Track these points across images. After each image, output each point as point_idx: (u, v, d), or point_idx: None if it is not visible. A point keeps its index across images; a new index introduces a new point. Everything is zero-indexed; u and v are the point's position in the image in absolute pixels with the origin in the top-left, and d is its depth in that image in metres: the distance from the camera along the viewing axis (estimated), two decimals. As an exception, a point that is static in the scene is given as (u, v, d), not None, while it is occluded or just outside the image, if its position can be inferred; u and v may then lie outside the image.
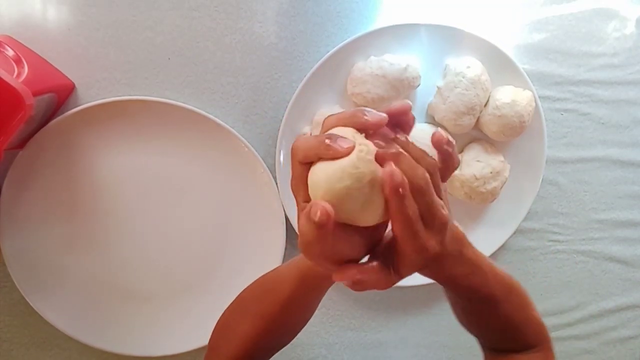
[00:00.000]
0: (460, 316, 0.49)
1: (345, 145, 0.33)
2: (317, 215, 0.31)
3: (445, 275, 0.40)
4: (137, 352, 0.68)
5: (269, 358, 0.49)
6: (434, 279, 0.41)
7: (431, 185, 0.34)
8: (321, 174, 0.34)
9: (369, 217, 0.34)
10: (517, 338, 0.47)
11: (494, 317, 0.45)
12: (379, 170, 0.33)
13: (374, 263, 0.34)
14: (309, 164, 0.35)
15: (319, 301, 0.48)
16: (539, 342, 0.48)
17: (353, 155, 0.33)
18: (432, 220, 0.33)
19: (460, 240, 0.39)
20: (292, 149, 0.36)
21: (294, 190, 0.37)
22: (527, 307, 0.48)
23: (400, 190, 0.31)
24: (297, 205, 0.36)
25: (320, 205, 0.31)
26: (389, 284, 0.35)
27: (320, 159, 0.34)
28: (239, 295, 0.50)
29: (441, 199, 0.35)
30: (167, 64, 0.66)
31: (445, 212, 0.34)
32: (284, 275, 0.46)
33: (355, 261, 0.35)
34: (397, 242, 0.33)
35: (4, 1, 0.62)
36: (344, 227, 0.34)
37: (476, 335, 0.50)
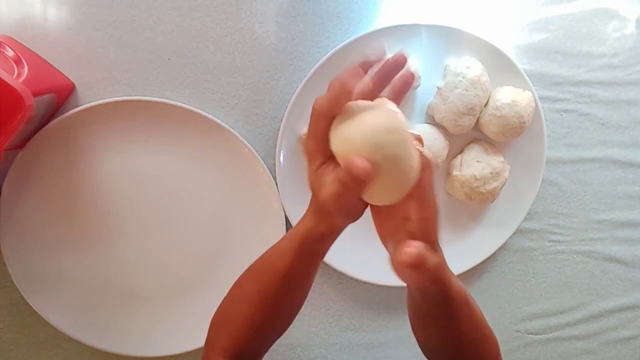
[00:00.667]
0: (417, 329, 0.49)
1: (368, 83, 0.37)
2: (360, 171, 0.34)
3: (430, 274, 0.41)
4: (137, 353, 0.68)
5: (268, 345, 0.49)
6: (421, 278, 0.41)
7: None
8: (353, 128, 0.36)
9: (398, 184, 0.37)
10: (475, 357, 0.47)
11: (454, 329, 0.45)
12: (403, 126, 0.36)
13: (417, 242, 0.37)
14: (331, 120, 0.38)
15: (313, 278, 0.48)
16: None
17: (384, 111, 0.36)
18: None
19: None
20: (315, 104, 0.38)
21: (311, 148, 0.39)
22: (484, 324, 0.48)
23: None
24: (312, 162, 0.39)
25: (360, 160, 0.34)
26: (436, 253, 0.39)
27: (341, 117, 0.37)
28: (233, 285, 0.50)
29: None
30: (167, 64, 0.66)
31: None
32: (278, 252, 0.46)
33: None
34: (425, 204, 0.39)
35: (4, 1, 0.62)
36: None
37: (430, 353, 0.49)
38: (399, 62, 0.40)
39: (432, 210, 0.39)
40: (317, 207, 0.42)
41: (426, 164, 0.38)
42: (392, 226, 0.41)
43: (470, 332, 0.46)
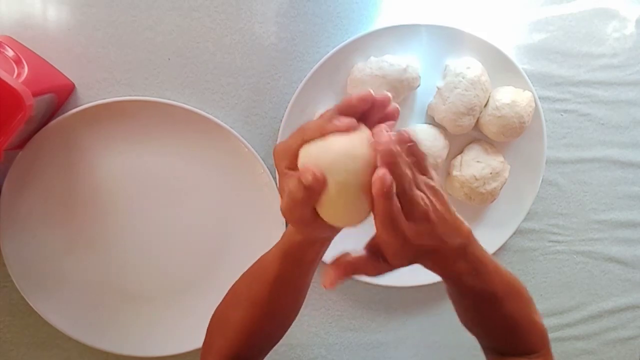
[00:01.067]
0: (462, 315, 0.49)
1: (345, 121, 0.36)
2: (309, 179, 0.34)
3: (449, 270, 0.42)
4: (137, 353, 0.68)
5: (265, 351, 0.50)
6: (439, 274, 0.43)
7: (412, 182, 0.36)
8: (320, 146, 0.36)
9: (353, 213, 0.36)
10: (518, 341, 0.47)
11: (496, 317, 0.46)
12: (371, 158, 0.35)
13: (364, 252, 0.39)
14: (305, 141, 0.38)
15: (307, 283, 0.48)
16: (540, 347, 0.48)
17: (352, 137, 0.35)
18: (412, 212, 0.36)
19: (466, 236, 0.42)
20: (301, 127, 0.38)
21: (279, 157, 0.38)
22: (530, 311, 0.48)
23: (386, 191, 0.34)
24: (279, 171, 0.38)
25: (312, 170, 0.34)
26: (379, 270, 0.39)
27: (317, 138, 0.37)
28: (229, 289, 0.50)
29: (421, 190, 0.37)
30: (167, 64, 0.66)
31: (423, 204, 0.36)
32: (268, 258, 0.47)
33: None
34: (379, 234, 0.37)
35: (4, 1, 0.62)
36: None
37: (477, 336, 0.50)
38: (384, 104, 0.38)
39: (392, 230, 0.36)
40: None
41: (380, 194, 0.34)
42: None
43: (515, 311, 0.46)
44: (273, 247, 0.47)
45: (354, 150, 0.35)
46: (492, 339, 0.49)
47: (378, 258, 0.39)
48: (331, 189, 0.35)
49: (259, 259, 0.49)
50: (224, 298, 0.50)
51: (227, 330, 0.48)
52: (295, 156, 0.37)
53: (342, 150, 0.35)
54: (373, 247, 0.40)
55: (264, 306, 0.46)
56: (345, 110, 0.37)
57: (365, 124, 0.37)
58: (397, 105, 0.39)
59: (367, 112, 0.37)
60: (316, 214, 0.37)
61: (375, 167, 0.34)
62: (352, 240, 0.43)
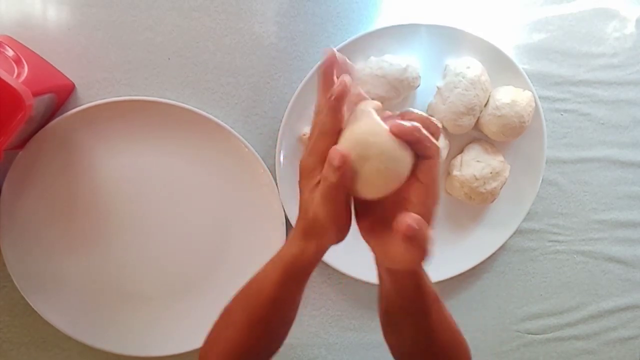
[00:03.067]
0: (389, 332, 0.50)
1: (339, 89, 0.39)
2: (337, 159, 0.36)
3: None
4: (137, 353, 0.68)
5: None
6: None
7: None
8: (342, 138, 0.39)
9: (378, 184, 0.38)
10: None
11: (425, 327, 0.46)
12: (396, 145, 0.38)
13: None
14: (336, 137, 0.40)
15: (301, 299, 0.48)
16: None
17: (367, 120, 0.39)
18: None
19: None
20: (319, 122, 0.40)
21: (310, 165, 0.40)
22: (455, 329, 0.48)
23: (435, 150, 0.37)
24: (309, 180, 0.40)
25: (337, 152, 0.36)
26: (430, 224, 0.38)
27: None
28: (224, 308, 0.50)
29: None
30: (167, 64, 0.66)
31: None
32: (266, 273, 0.46)
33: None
34: (430, 194, 0.38)
35: (4, 1, 0.62)
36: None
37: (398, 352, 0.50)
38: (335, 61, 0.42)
39: (434, 198, 0.39)
40: (306, 227, 0.42)
41: (431, 153, 0.38)
42: (382, 215, 0.41)
43: (441, 333, 0.47)
44: (266, 267, 0.47)
45: (371, 127, 0.38)
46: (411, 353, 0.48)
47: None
48: (367, 162, 0.37)
49: (251, 279, 0.48)
50: (219, 317, 0.50)
51: (221, 348, 0.48)
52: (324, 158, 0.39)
53: (364, 131, 0.38)
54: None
55: (259, 326, 0.46)
56: (327, 82, 0.40)
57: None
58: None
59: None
60: (347, 208, 0.40)
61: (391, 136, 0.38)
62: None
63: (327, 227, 0.40)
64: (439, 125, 0.41)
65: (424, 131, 0.37)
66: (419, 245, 0.36)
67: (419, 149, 0.38)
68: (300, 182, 0.42)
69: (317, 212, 0.39)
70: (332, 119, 0.39)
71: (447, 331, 0.48)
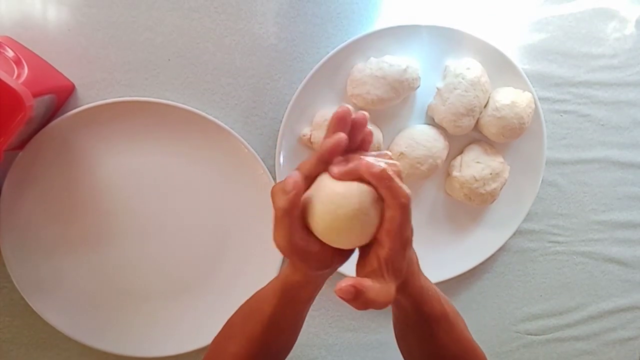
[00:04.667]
0: (399, 339, 0.50)
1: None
2: (289, 185, 0.36)
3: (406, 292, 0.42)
4: (136, 353, 0.68)
5: None
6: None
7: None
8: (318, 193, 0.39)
9: (353, 237, 0.39)
10: None
11: (430, 342, 0.46)
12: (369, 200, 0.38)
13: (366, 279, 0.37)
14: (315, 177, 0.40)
15: (301, 321, 0.49)
16: None
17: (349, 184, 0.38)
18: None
19: (415, 262, 0.43)
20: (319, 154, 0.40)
21: (280, 193, 0.39)
22: (466, 338, 0.48)
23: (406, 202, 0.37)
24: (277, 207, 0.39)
25: (291, 177, 0.37)
26: (390, 293, 0.38)
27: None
28: (227, 320, 0.50)
29: None
30: (167, 64, 0.66)
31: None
32: (264, 295, 0.47)
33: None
34: (391, 249, 0.38)
35: (3, 1, 0.62)
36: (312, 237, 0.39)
37: None
38: (360, 123, 0.40)
39: (401, 240, 0.38)
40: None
41: (398, 205, 0.37)
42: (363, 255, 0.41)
43: (450, 345, 0.47)
44: (270, 282, 0.47)
45: (344, 190, 0.38)
46: None
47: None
48: (340, 220, 0.38)
49: (255, 294, 0.49)
50: (220, 331, 0.50)
51: None
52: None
53: (341, 187, 0.38)
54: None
55: (258, 343, 0.46)
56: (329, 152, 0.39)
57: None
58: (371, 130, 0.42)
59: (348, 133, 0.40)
60: (307, 234, 0.39)
61: (366, 197, 0.38)
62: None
63: (287, 256, 0.40)
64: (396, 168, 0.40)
65: (393, 179, 0.37)
66: (359, 303, 0.36)
67: (384, 193, 0.37)
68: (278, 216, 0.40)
69: (274, 239, 0.39)
70: (315, 162, 0.39)
71: (457, 343, 0.47)
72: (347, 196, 0.38)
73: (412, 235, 0.40)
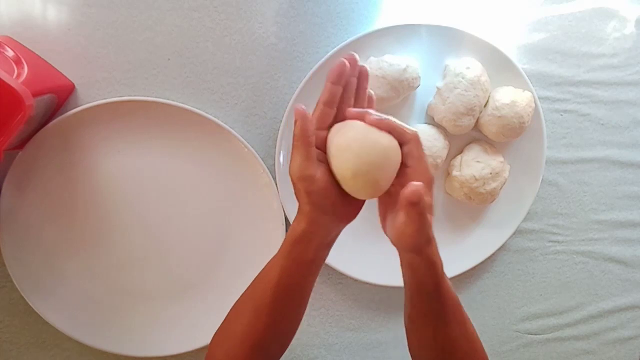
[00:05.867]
0: (411, 333, 0.50)
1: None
2: (296, 115, 0.42)
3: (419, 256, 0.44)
4: (137, 353, 0.68)
5: None
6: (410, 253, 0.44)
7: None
8: (337, 141, 0.44)
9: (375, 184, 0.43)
10: None
11: (445, 332, 0.47)
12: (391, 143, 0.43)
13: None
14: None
15: (309, 290, 0.49)
16: None
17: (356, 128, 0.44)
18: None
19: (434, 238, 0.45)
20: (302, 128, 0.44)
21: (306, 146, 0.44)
22: (476, 338, 0.49)
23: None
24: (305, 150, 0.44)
25: (296, 108, 0.43)
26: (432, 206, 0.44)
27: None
28: (234, 304, 0.50)
29: None
30: (167, 64, 0.66)
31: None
32: (270, 264, 0.47)
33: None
34: (422, 173, 0.44)
35: (4, 1, 0.62)
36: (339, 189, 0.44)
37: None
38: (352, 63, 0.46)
39: (426, 175, 0.44)
40: (297, 199, 0.46)
41: (408, 138, 0.44)
42: (391, 202, 0.45)
43: (461, 339, 0.47)
44: (273, 257, 0.48)
45: (361, 137, 0.43)
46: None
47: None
48: (361, 169, 0.42)
49: (261, 270, 0.49)
50: (229, 312, 0.50)
51: (229, 343, 0.47)
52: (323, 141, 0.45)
53: (360, 135, 0.43)
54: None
55: (268, 314, 0.46)
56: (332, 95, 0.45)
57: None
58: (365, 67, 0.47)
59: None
60: (320, 166, 0.44)
61: (383, 144, 0.43)
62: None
63: (296, 184, 0.44)
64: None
65: (397, 122, 0.44)
66: (420, 211, 0.40)
67: (396, 136, 0.44)
68: (297, 147, 0.45)
69: (290, 169, 0.44)
70: (329, 88, 0.45)
71: (467, 342, 0.48)
72: (380, 144, 0.43)
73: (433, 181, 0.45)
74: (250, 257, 0.69)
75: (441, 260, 0.45)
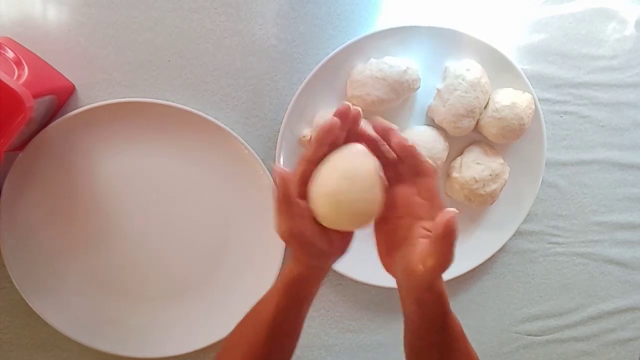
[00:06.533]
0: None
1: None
2: (277, 176, 0.40)
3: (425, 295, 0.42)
4: (136, 354, 0.68)
5: None
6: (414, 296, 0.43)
7: None
8: (321, 171, 0.42)
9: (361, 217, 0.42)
10: None
11: None
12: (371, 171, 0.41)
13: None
14: (316, 164, 0.43)
15: (301, 326, 0.49)
16: None
17: (345, 155, 0.42)
18: None
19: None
20: (304, 153, 0.43)
21: (287, 186, 0.42)
22: None
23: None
24: (288, 205, 0.42)
25: (276, 170, 0.40)
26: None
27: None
28: (229, 333, 0.50)
29: None
30: (167, 65, 0.66)
31: None
32: (267, 295, 0.47)
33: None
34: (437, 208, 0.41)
35: (4, 2, 0.62)
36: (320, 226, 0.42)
37: None
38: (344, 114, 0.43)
39: (441, 209, 0.39)
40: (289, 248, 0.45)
41: (428, 171, 0.43)
42: (397, 238, 0.43)
43: None
44: (271, 287, 0.48)
45: (347, 165, 0.41)
46: None
47: None
48: (341, 200, 0.40)
49: (254, 305, 0.49)
50: (225, 341, 0.50)
51: None
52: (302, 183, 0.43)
53: (339, 169, 0.41)
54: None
55: (261, 349, 0.46)
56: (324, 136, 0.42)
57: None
58: (358, 109, 0.43)
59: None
60: (305, 219, 0.42)
61: (368, 173, 0.41)
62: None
63: (287, 242, 0.43)
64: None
65: (419, 152, 0.42)
66: (452, 241, 0.36)
67: (414, 165, 0.42)
68: (278, 207, 0.43)
69: (277, 231, 0.42)
70: (314, 148, 0.42)
71: None
72: (351, 176, 0.40)
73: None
74: (250, 258, 0.69)
75: (445, 290, 0.43)
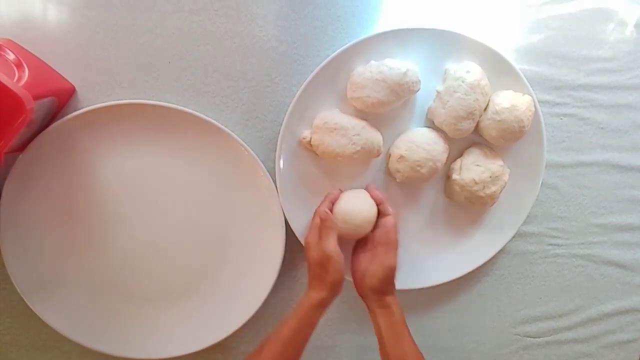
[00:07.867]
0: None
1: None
2: (320, 212, 0.63)
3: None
4: (136, 355, 0.68)
5: None
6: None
7: None
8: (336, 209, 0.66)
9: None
10: None
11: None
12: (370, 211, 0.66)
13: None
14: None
15: (303, 349, 0.60)
16: None
17: (346, 200, 0.66)
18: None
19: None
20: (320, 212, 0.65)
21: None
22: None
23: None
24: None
25: (321, 211, 0.63)
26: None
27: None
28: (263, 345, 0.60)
29: None
30: (167, 67, 0.66)
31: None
32: (283, 321, 0.60)
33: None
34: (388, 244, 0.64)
35: (4, 3, 0.62)
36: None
37: None
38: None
39: (392, 240, 0.63)
40: (310, 276, 0.62)
41: (388, 213, 0.65)
42: (362, 257, 0.66)
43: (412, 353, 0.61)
44: (289, 315, 0.60)
45: (348, 207, 0.65)
46: None
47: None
48: (347, 227, 0.65)
49: (276, 326, 0.61)
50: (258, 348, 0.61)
51: None
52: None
53: (344, 209, 0.65)
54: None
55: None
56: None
57: None
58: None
59: None
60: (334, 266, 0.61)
61: (365, 211, 0.65)
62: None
63: (316, 264, 0.61)
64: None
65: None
66: (394, 235, 0.62)
67: (381, 209, 0.65)
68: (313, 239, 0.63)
69: (306, 254, 0.62)
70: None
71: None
72: (361, 209, 0.65)
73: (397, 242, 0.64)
74: (250, 259, 0.70)
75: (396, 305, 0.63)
